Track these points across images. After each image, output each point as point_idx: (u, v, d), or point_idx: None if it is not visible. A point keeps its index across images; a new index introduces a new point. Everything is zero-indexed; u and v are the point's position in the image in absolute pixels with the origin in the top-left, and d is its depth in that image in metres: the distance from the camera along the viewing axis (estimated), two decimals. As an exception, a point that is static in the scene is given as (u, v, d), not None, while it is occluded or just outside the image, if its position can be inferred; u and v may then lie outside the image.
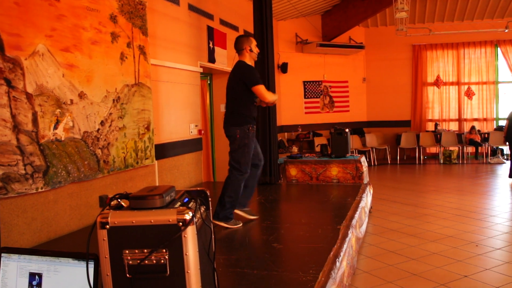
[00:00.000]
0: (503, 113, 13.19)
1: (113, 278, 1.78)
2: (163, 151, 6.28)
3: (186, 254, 1.77)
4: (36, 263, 1.90)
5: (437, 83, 13.32)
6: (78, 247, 3.92)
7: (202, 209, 2.00)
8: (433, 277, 4.27)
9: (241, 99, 4.73)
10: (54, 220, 4.37)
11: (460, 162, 12.49)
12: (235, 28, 9.00)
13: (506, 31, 11.30)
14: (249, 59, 4.91)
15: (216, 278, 2.13)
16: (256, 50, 4.93)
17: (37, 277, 1.89)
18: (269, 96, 4.72)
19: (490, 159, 12.39)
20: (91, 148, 4.77)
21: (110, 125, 5.10)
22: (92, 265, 1.82)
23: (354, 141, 12.23)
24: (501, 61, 12.99)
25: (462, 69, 13.16)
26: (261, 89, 4.66)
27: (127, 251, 1.77)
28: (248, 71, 4.73)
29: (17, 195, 3.88)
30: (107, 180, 5.11)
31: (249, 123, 4.71)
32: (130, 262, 1.76)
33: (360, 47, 12.96)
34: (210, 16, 7.85)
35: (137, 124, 5.59)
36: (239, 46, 4.89)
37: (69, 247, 4.07)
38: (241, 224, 4.65)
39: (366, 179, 7.34)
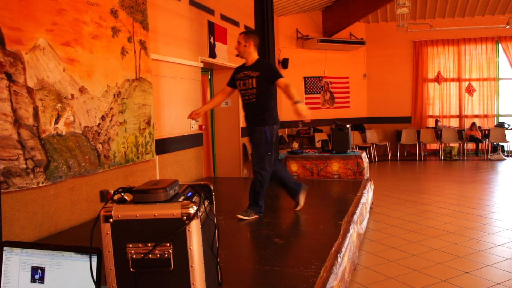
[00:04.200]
0: (504, 110, 13.19)
1: (117, 272, 1.77)
2: (164, 146, 6.27)
3: (190, 248, 1.76)
4: (38, 257, 1.89)
5: (438, 79, 13.30)
6: (79, 241, 3.90)
7: (206, 203, 1.99)
8: (434, 273, 4.27)
9: None
10: (55, 215, 4.36)
11: (461, 158, 12.48)
12: (236, 23, 8.97)
13: (507, 27, 11.29)
14: None
15: (219, 272, 2.12)
16: None
17: (39, 271, 1.88)
18: None
19: (491, 155, 12.38)
20: (91, 142, 4.76)
21: (111, 120, 5.08)
22: (95, 259, 1.80)
23: (354, 137, 12.21)
24: (502, 57, 12.97)
25: (463, 66, 13.13)
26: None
27: (130, 245, 1.75)
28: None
29: (18, 189, 3.87)
30: (108, 175, 5.10)
31: None
32: (134, 256, 1.75)
33: (361, 43, 12.94)
34: (211, 11, 7.83)
35: (138, 119, 5.58)
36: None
37: (70, 242, 4.06)
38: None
39: (367, 175, 7.33)
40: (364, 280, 4.15)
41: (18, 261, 1.91)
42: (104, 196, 1.89)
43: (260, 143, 4.75)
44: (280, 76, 4.80)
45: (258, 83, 4.77)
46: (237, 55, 4.97)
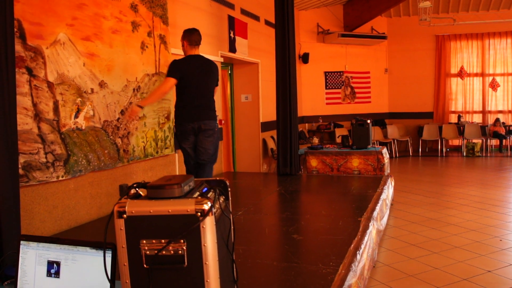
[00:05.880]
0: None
1: (130, 268, 1.76)
2: (183, 141, 6.26)
3: (204, 245, 1.74)
4: (54, 251, 1.89)
5: (461, 74, 13.09)
6: (98, 235, 3.92)
7: (221, 199, 1.97)
8: (456, 271, 4.19)
9: (213, 95, 5.03)
10: (75, 209, 4.39)
11: (484, 155, 12.27)
12: (256, 17, 8.94)
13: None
14: None
15: (235, 270, 2.10)
16: None
17: (55, 265, 1.89)
18: None
19: (515, 152, 12.17)
20: (111, 137, 4.78)
21: (131, 114, 5.10)
22: (110, 255, 1.80)
23: (375, 133, 12.10)
24: (528, 52, 12.70)
25: (487, 60, 12.89)
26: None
27: (144, 241, 1.74)
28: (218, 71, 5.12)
29: (38, 183, 3.90)
30: (127, 169, 5.12)
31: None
32: (148, 252, 1.74)
33: (383, 37, 12.79)
34: (231, 6, 7.80)
35: (157, 114, 5.59)
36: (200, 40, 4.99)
37: (89, 236, 4.10)
38: None
39: (387, 171, 7.25)
40: (384, 277, 4.10)
41: (35, 255, 1.92)
42: (123, 190, 1.88)
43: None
44: (167, 75, 4.74)
45: None
46: None
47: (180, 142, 4.87)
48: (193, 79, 4.74)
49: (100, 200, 4.72)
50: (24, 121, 3.74)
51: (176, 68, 4.70)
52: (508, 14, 12.22)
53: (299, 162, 7.43)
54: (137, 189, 1.84)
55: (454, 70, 13.17)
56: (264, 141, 9.28)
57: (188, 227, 1.71)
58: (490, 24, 12.17)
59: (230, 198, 2.10)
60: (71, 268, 1.87)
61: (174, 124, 4.85)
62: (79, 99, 4.34)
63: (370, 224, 4.21)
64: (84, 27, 4.43)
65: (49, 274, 1.89)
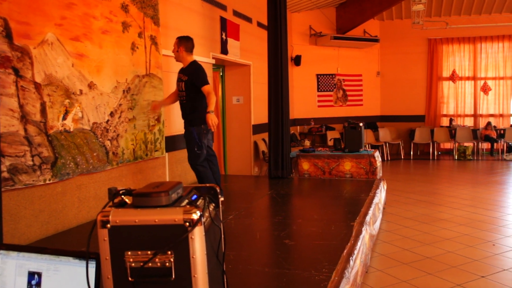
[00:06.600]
0: (520, 109, 12.97)
1: (114, 281, 1.67)
2: (174, 143, 6.19)
3: (193, 257, 1.65)
4: (35, 262, 1.80)
5: (453, 77, 13.10)
6: (85, 241, 3.85)
7: (211, 207, 1.89)
8: (449, 276, 4.15)
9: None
10: (62, 213, 4.29)
11: (475, 158, 12.28)
12: (249, 19, 8.87)
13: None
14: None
15: (225, 281, 2.02)
16: None
17: (36, 276, 1.79)
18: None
19: (506, 155, 12.16)
20: (100, 139, 4.69)
21: (120, 116, 5.01)
22: (94, 265, 1.71)
23: (367, 136, 12.07)
24: (519, 56, 12.72)
25: (479, 64, 12.93)
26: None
27: (129, 253, 1.65)
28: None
29: (24, 186, 3.81)
30: (116, 172, 5.03)
31: None
32: (133, 264, 1.65)
33: (375, 40, 12.78)
34: (223, 7, 7.73)
35: (147, 116, 5.50)
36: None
37: (77, 241, 4.01)
38: None
39: (379, 174, 7.21)
40: (376, 283, 4.05)
41: (15, 266, 1.82)
42: (112, 194, 1.79)
43: (189, 141, 5.15)
44: (204, 84, 5.01)
45: (186, 86, 5.08)
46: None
47: (203, 139, 5.13)
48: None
49: (89, 204, 4.62)
50: (10, 123, 3.65)
51: (206, 75, 5.14)
52: (499, 18, 12.25)
53: (290, 165, 7.37)
54: (122, 196, 1.76)
55: (446, 73, 13.18)
56: (256, 144, 9.21)
57: (176, 238, 1.63)
58: (482, 28, 12.20)
59: (220, 206, 2.02)
60: (53, 279, 1.77)
61: (196, 124, 5.10)
62: (67, 100, 4.24)
63: (363, 229, 4.15)
64: (73, 27, 4.34)
65: (30, 285, 1.80)
